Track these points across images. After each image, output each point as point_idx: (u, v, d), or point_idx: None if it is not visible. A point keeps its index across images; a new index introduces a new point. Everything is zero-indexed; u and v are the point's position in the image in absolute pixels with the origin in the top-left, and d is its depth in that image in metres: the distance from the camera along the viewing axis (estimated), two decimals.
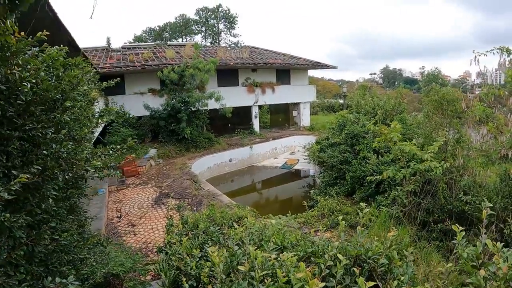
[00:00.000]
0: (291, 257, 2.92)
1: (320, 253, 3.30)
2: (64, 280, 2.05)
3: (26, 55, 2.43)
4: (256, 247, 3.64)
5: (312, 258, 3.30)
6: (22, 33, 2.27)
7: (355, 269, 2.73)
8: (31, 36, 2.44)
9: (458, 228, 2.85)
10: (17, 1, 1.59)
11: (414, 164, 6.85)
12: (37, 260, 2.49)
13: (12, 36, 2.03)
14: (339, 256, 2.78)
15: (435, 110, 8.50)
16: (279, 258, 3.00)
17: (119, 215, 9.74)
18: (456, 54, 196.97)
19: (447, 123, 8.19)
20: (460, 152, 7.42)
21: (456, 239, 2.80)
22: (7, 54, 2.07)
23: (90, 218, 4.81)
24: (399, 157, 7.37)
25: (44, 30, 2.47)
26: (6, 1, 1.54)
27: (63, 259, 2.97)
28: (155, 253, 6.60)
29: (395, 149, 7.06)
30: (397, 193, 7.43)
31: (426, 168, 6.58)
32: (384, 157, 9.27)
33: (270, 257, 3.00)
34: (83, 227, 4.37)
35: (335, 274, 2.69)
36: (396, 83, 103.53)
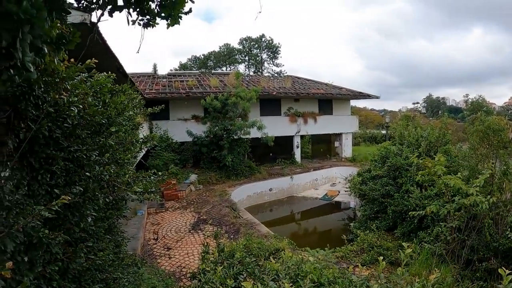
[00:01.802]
0: None
1: None
2: None
3: (75, 80, 2.60)
4: (291, 282, 3.56)
5: None
6: (72, 60, 2.44)
7: None
8: (80, 63, 2.62)
9: (505, 272, 2.66)
10: (64, 41, 1.72)
11: (459, 199, 6.52)
12: (70, 276, 2.57)
13: (62, 63, 2.19)
14: None
15: (480, 140, 8.13)
16: None
17: (155, 237, 9.89)
18: (500, 80, 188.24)
19: (494, 154, 7.79)
20: (508, 186, 6.99)
21: (502, 282, 2.61)
22: (56, 80, 2.23)
23: (127, 239, 4.92)
24: (443, 191, 7.04)
25: (93, 58, 2.65)
26: (54, 41, 1.68)
27: (97, 277, 3.04)
28: (188, 279, 6.60)
29: (440, 183, 6.76)
30: (440, 229, 7.06)
31: (472, 203, 6.24)
32: (428, 191, 8.90)
33: None
34: (120, 247, 4.46)
35: None
36: (440, 112, 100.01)
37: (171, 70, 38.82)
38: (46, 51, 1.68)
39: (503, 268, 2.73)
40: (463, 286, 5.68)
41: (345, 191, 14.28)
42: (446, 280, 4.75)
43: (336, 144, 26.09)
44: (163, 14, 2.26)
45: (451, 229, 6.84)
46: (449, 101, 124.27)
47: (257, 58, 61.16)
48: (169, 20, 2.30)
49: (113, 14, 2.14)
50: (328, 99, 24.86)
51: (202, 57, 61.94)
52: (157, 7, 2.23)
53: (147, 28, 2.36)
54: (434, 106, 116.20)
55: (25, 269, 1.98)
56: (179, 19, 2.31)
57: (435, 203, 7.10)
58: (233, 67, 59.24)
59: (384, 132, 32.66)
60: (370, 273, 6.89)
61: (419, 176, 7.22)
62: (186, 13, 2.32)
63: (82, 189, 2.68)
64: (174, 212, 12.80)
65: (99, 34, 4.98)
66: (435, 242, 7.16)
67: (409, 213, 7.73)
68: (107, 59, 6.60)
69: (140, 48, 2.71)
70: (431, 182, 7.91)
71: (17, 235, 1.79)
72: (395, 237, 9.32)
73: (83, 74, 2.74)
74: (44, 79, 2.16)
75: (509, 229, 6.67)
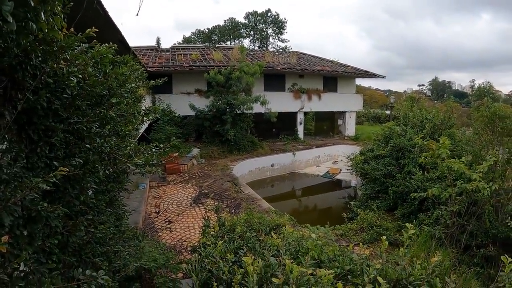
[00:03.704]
0: (328, 274, 2.81)
1: (358, 272, 3.16)
2: (94, 273, 2.07)
3: (75, 50, 2.51)
4: (292, 258, 3.56)
5: (349, 276, 3.17)
6: (71, 29, 2.35)
7: None
8: (81, 33, 2.52)
9: (507, 259, 2.63)
10: None
11: (461, 183, 6.48)
12: (70, 250, 2.56)
13: (60, 32, 2.10)
14: (379, 279, 2.65)
15: (485, 126, 8.03)
16: (315, 274, 2.91)
17: (157, 211, 9.97)
18: (507, 67, 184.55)
19: (498, 141, 7.70)
20: (510, 174, 6.94)
21: (502, 270, 2.58)
22: (54, 49, 2.14)
23: (129, 212, 4.91)
24: (445, 174, 7.00)
25: (93, 27, 2.55)
26: None
27: (97, 250, 3.03)
28: (189, 252, 6.66)
29: (443, 166, 6.70)
30: (440, 212, 7.06)
31: (474, 189, 6.20)
32: (430, 174, 8.87)
33: (306, 272, 2.91)
34: (121, 220, 4.46)
35: None
36: (445, 95, 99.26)
37: (174, 43, 38.23)
38: (32, 3, 1.58)
39: (506, 255, 2.70)
40: (460, 271, 5.70)
41: (347, 170, 14.30)
42: (444, 264, 4.75)
43: (340, 122, 25.99)
44: None
45: (451, 213, 6.83)
46: (455, 85, 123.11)
47: (263, 33, 60.29)
48: None
49: None
50: (333, 76, 24.61)
51: (207, 31, 61.05)
52: None
53: None
54: (440, 90, 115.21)
55: (24, 243, 1.95)
56: None
57: (437, 186, 7.08)
58: (237, 42, 58.48)
59: (388, 112, 32.49)
60: (370, 251, 6.94)
61: (423, 158, 7.16)
62: None
63: (82, 161, 2.63)
64: (176, 185, 12.86)
65: (100, 4, 4.84)
66: (435, 225, 7.18)
67: (410, 195, 7.72)
68: (109, 32, 6.47)
69: (141, 13, 2.62)
70: (434, 164, 7.86)
71: (15, 208, 1.74)
72: (395, 218, 9.36)
73: (83, 45, 2.65)
74: (41, 47, 2.07)
75: (509, 217, 6.66)
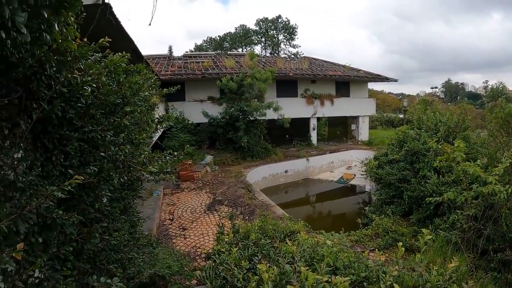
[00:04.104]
0: (344, 281, 2.78)
1: (374, 279, 3.12)
2: (108, 281, 2.09)
3: (89, 60, 2.56)
4: (307, 265, 3.53)
5: (365, 283, 3.13)
6: (85, 39, 2.39)
7: None
8: (94, 43, 2.57)
9: None
10: (65, 4, 1.65)
11: (477, 187, 6.35)
12: (85, 257, 2.59)
13: (74, 42, 2.14)
14: (396, 286, 2.61)
15: (500, 128, 7.87)
16: (330, 281, 2.88)
17: (171, 218, 10.01)
18: None
19: None
20: None
21: None
22: (68, 59, 2.19)
23: (143, 219, 4.96)
24: (461, 178, 6.87)
25: (106, 37, 2.60)
26: (52, 4, 1.61)
27: (112, 257, 3.06)
28: (203, 259, 6.67)
29: (458, 170, 6.59)
30: (456, 217, 6.93)
31: (490, 192, 6.07)
32: (445, 177, 8.72)
33: (321, 279, 2.88)
34: (135, 227, 4.50)
35: None
36: (459, 97, 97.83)
37: (186, 52, 38.58)
38: (45, 15, 1.62)
39: None
40: (477, 276, 5.58)
41: (361, 175, 14.15)
42: (460, 269, 4.66)
43: (353, 127, 25.81)
44: None
45: (467, 218, 6.70)
46: (468, 87, 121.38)
47: (274, 40, 60.30)
48: None
49: None
50: (345, 81, 24.47)
51: (218, 38, 61.28)
52: None
53: None
54: (453, 92, 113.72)
55: (39, 250, 1.98)
56: None
57: (452, 190, 6.94)
58: (249, 48, 58.57)
59: (401, 116, 32.15)
60: (385, 258, 6.84)
61: (437, 161, 7.05)
62: None
63: (96, 170, 2.67)
64: (189, 192, 12.90)
65: (112, 14, 4.92)
66: (451, 230, 7.03)
67: (426, 199, 7.59)
68: (122, 41, 6.56)
69: (152, 22, 2.68)
70: (449, 168, 7.73)
71: (30, 216, 1.78)
72: (410, 223, 9.21)
73: (97, 54, 2.69)
74: (56, 58, 2.11)
75: None
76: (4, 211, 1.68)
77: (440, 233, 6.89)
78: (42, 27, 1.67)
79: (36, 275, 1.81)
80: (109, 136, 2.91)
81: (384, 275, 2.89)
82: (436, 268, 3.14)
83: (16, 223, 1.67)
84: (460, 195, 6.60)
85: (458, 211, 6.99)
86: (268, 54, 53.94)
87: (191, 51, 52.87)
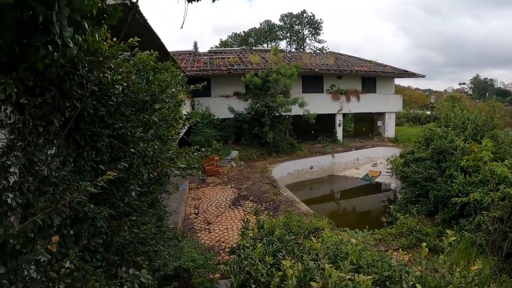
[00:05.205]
0: (367, 280, 2.78)
1: (397, 279, 3.10)
2: (137, 272, 2.16)
3: (118, 59, 2.64)
4: (330, 263, 3.54)
5: (387, 282, 3.12)
6: (115, 39, 2.47)
7: None
8: (123, 42, 2.65)
9: None
10: (105, 15, 1.72)
11: (504, 188, 6.16)
12: (114, 249, 2.68)
13: (105, 42, 2.21)
14: (418, 286, 2.59)
15: None
16: (353, 279, 2.88)
17: (196, 212, 10.16)
18: None
19: None
20: None
21: None
22: (100, 59, 2.27)
23: (169, 213, 5.06)
24: (488, 178, 6.67)
25: (135, 37, 2.67)
26: (94, 16, 1.68)
27: (139, 249, 3.15)
28: (227, 253, 6.75)
29: (485, 170, 6.40)
30: (482, 218, 6.74)
31: None
32: (472, 177, 8.49)
33: (345, 277, 2.89)
34: (162, 220, 4.60)
35: None
36: (487, 94, 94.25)
37: (211, 47, 38.73)
38: (86, 27, 1.69)
39: None
40: (500, 280, 5.42)
41: (387, 172, 13.93)
42: (484, 272, 4.55)
43: (379, 123, 25.33)
44: None
45: (493, 219, 6.50)
46: (496, 83, 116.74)
47: (299, 35, 59.85)
48: None
49: None
50: (371, 77, 24.06)
51: (243, 34, 61.32)
52: None
53: (191, 3, 2.33)
54: (481, 88, 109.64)
55: (70, 242, 2.07)
56: None
57: (479, 191, 6.75)
58: (274, 44, 58.32)
59: (428, 112, 31.32)
60: (408, 257, 6.74)
61: (464, 161, 6.87)
62: None
63: (126, 165, 2.75)
64: (215, 187, 13.04)
65: (140, 13, 5.02)
66: (476, 231, 6.86)
67: (452, 199, 7.42)
68: (149, 38, 6.67)
69: (184, 24, 2.70)
70: (476, 168, 7.52)
71: (63, 210, 1.86)
72: (435, 223, 9.02)
73: (126, 53, 2.77)
74: (88, 58, 2.20)
75: None
76: (39, 205, 1.77)
77: (465, 234, 6.74)
78: (83, 37, 1.75)
79: (67, 265, 1.89)
80: (138, 133, 3.00)
81: (407, 275, 2.87)
82: (459, 270, 3.09)
83: (50, 216, 1.76)
84: (486, 195, 6.41)
85: (484, 212, 6.80)
86: (293, 50, 53.58)
87: (216, 46, 53.10)
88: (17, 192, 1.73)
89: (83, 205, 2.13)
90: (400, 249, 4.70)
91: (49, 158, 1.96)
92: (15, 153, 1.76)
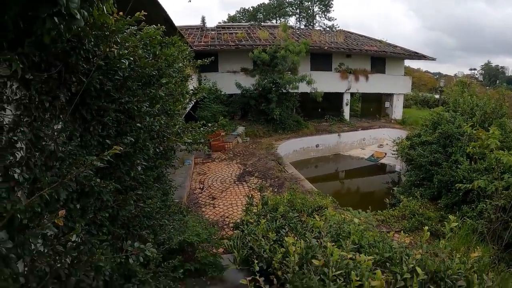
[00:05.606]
0: (368, 260, 2.82)
1: (397, 261, 3.14)
2: (142, 246, 2.19)
3: (125, 33, 2.61)
4: (333, 241, 3.58)
5: (388, 264, 3.15)
6: (121, 13, 2.43)
7: (431, 287, 2.57)
8: (129, 16, 2.60)
9: None
10: None
11: (509, 177, 6.13)
12: (119, 223, 2.73)
13: (111, 16, 2.18)
14: (418, 269, 2.62)
15: None
16: (354, 258, 2.92)
17: (201, 187, 10.25)
18: None
19: None
20: None
21: None
22: (106, 33, 2.24)
23: (174, 187, 5.11)
24: (493, 166, 6.63)
25: (142, 11, 2.62)
26: None
27: (144, 223, 3.20)
28: (231, 229, 6.84)
29: (491, 158, 6.36)
30: (485, 206, 6.74)
31: None
32: (478, 164, 8.45)
33: (346, 256, 2.93)
34: (167, 195, 4.66)
35: None
36: (498, 82, 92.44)
37: (219, 22, 38.07)
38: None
39: None
40: (499, 269, 5.46)
41: (392, 154, 13.91)
42: (483, 260, 4.59)
43: (387, 104, 25.05)
44: None
45: (495, 208, 6.49)
46: (508, 71, 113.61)
47: (309, 11, 58.59)
48: None
49: None
50: (381, 57, 23.64)
51: (251, 9, 60.10)
52: None
53: None
54: (492, 75, 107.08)
55: (77, 216, 2.10)
56: None
57: (483, 178, 6.73)
58: (283, 20, 57.22)
59: (437, 96, 30.89)
60: (409, 240, 6.78)
61: (471, 147, 6.82)
62: None
63: (133, 140, 2.76)
64: (220, 163, 13.11)
65: None
66: (478, 219, 6.86)
67: (456, 185, 7.41)
68: (154, 11, 6.56)
69: None
70: (482, 155, 7.47)
71: (70, 184, 1.88)
72: (438, 207, 9.05)
73: (132, 27, 2.73)
74: (94, 32, 2.17)
75: None
76: (46, 180, 1.79)
77: (467, 221, 6.75)
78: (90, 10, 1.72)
79: (73, 239, 1.93)
80: (145, 107, 2.99)
81: (407, 258, 2.90)
82: (459, 256, 3.12)
83: (57, 191, 1.78)
84: (491, 184, 6.39)
85: (487, 200, 6.80)
86: (302, 26, 52.57)
87: (224, 22, 52.17)
88: (24, 167, 1.75)
89: (89, 179, 2.15)
90: (401, 232, 4.72)
91: (55, 133, 1.97)
92: (22, 129, 1.77)
